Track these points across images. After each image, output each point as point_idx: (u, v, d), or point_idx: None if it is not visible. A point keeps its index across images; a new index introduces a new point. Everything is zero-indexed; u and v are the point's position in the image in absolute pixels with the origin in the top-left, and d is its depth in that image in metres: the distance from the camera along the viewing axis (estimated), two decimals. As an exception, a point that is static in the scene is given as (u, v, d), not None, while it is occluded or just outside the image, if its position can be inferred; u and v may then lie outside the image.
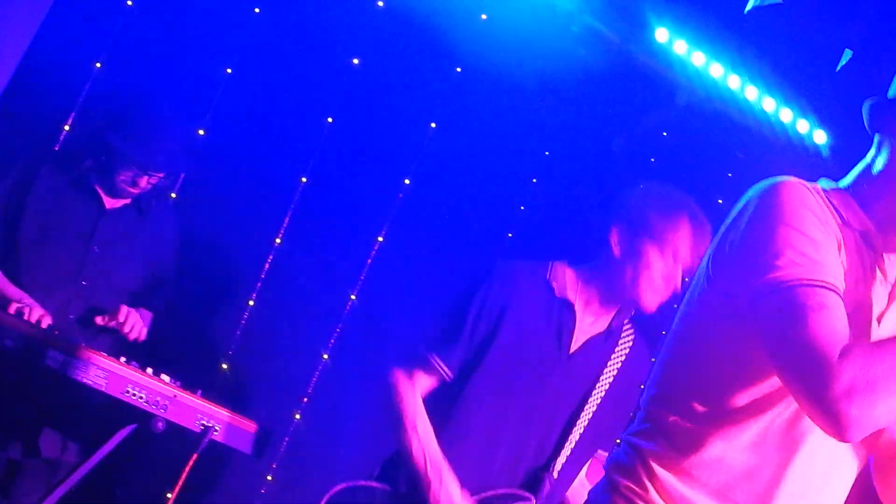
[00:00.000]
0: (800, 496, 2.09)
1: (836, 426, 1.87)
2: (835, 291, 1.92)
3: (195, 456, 3.29)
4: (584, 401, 3.23)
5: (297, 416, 4.32)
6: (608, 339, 3.23)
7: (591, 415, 3.27)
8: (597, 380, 3.25)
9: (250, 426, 3.44)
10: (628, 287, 3.15)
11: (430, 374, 3.12)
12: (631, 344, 3.30)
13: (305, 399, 4.35)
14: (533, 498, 3.15)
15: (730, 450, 2.08)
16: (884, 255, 2.11)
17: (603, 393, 3.27)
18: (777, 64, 4.46)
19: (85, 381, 3.17)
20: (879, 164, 2.14)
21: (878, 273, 2.10)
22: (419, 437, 3.08)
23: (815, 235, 1.98)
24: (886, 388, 1.84)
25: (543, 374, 3.15)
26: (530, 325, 3.16)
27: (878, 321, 2.06)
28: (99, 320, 3.71)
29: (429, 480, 3.03)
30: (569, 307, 3.18)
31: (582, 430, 3.24)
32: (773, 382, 2.01)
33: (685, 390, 2.15)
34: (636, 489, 2.12)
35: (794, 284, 1.93)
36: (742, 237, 2.04)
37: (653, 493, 2.09)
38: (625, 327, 3.27)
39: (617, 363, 3.30)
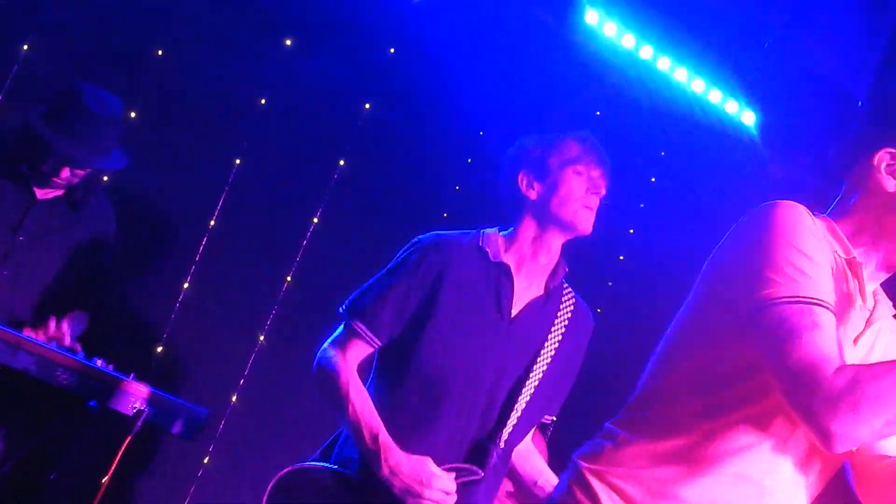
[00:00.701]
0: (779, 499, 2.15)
1: (824, 438, 1.94)
2: (829, 309, 2.00)
3: (129, 439, 3.26)
4: (530, 367, 3.18)
5: (234, 399, 4.30)
6: (548, 302, 3.19)
7: (537, 381, 3.20)
8: (541, 345, 3.21)
9: (185, 409, 3.39)
10: (558, 216, 3.16)
11: (359, 341, 3.09)
12: (572, 307, 3.27)
13: (242, 381, 4.33)
14: (481, 471, 3.08)
15: (706, 467, 2.14)
16: (863, 283, 2.20)
17: (549, 358, 3.22)
18: (707, 46, 4.50)
19: (14, 366, 3.17)
20: (854, 201, 2.25)
21: (859, 299, 2.18)
22: (357, 412, 3.06)
23: (812, 254, 2.05)
24: (873, 409, 1.92)
25: (485, 341, 3.11)
26: (468, 291, 3.14)
27: (854, 342, 2.15)
28: (28, 332, 3.60)
29: (373, 452, 3.02)
30: (506, 270, 3.15)
31: (528, 398, 3.17)
32: (766, 386, 2.08)
33: (680, 386, 2.19)
34: (607, 479, 2.20)
35: (791, 301, 2.01)
36: (744, 251, 2.11)
37: (623, 486, 2.18)
38: (564, 290, 3.26)
39: (561, 328, 3.27)
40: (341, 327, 3.10)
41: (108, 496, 3.33)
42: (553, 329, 3.23)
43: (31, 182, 3.71)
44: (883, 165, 2.15)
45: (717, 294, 2.16)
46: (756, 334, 2.03)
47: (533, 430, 3.29)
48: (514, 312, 3.14)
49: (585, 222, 3.16)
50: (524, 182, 3.15)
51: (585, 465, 2.19)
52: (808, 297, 2.00)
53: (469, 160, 4.74)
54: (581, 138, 3.18)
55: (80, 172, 3.64)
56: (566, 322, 3.26)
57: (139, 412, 3.24)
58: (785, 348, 1.99)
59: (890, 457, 2.20)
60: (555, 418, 3.37)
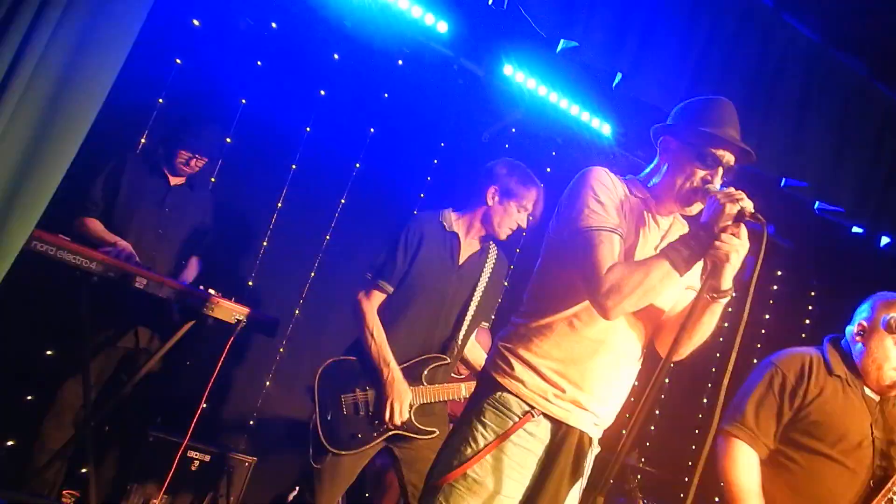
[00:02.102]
0: (604, 371, 2.32)
1: (603, 312, 2.21)
2: (615, 232, 2.23)
3: (231, 339, 3.48)
4: (472, 293, 3.38)
5: (297, 312, 4.55)
6: (482, 255, 3.43)
7: (477, 302, 3.37)
8: (478, 280, 3.39)
9: (266, 319, 3.62)
10: (495, 225, 3.37)
11: (380, 291, 3.29)
12: (496, 258, 3.49)
13: (301, 301, 4.54)
14: (447, 357, 3.30)
15: (563, 335, 2.31)
16: (657, 214, 2.43)
17: (483, 288, 3.40)
18: (580, 83, 4.65)
19: (160, 295, 3.38)
20: (657, 164, 2.48)
21: (653, 223, 2.42)
22: (374, 339, 3.21)
23: (604, 199, 2.28)
24: (631, 289, 2.15)
25: (445, 280, 3.32)
26: (434, 250, 3.33)
27: (655, 249, 2.36)
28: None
29: (380, 366, 3.19)
30: (455, 236, 3.38)
31: (473, 312, 3.37)
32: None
33: (541, 293, 2.40)
34: (514, 350, 2.37)
35: (591, 228, 2.24)
36: (567, 199, 2.34)
37: (522, 352, 2.35)
38: (490, 247, 3.49)
39: (489, 270, 3.43)
40: (368, 281, 3.31)
41: (218, 378, 3.49)
42: (484, 270, 3.42)
43: (168, 172, 3.94)
44: (660, 143, 2.45)
45: (556, 228, 2.37)
46: (571, 251, 2.26)
47: (476, 331, 3.46)
48: (460, 262, 3.38)
49: (505, 237, 3.42)
50: (491, 193, 3.34)
51: (501, 343, 2.41)
52: (601, 226, 2.23)
53: (435, 161, 4.91)
54: (532, 187, 3.36)
55: (200, 163, 3.91)
56: (493, 266, 3.45)
57: (238, 321, 3.50)
58: (581, 260, 2.22)
59: (666, 312, 2.43)
60: (489, 324, 3.51)
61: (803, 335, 5.14)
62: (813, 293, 5.67)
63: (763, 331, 5.52)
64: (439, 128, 4.76)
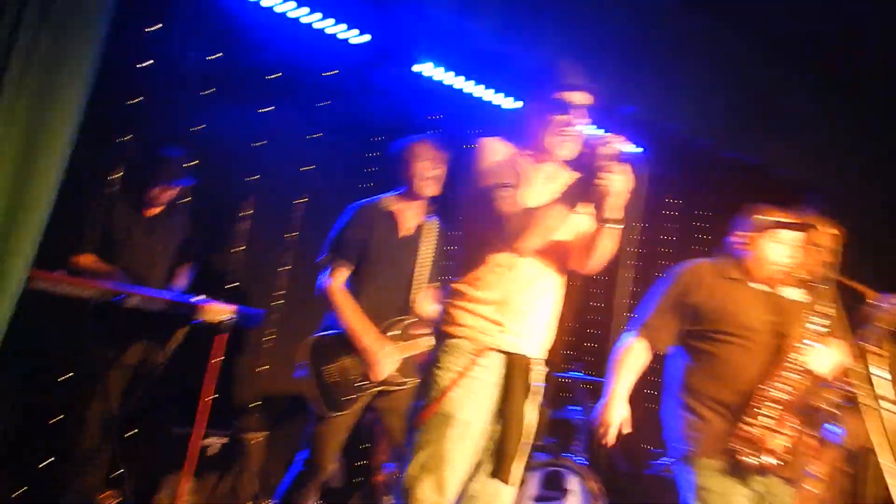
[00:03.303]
0: (533, 300, 2.45)
1: (517, 251, 2.37)
2: (511, 187, 2.34)
3: (221, 337, 3.51)
4: (417, 261, 3.52)
5: (281, 302, 4.68)
6: (420, 227, 3.54)
7: (423, 266, 3.51)
8: (418, 248, 3.49)
9: (250, 313, 3.66)
10: (415, 189, 3.44)
11: (343, 268, 3.40)
12: (434, 227, 3.56)
13: (282, 294, 4.68)
14: (409, 315, 3.45)
15: (492, 281, 2.42)
16: (544, 164, 2.52)
17: (429, 253, 3.52)
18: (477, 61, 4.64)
19: (154, 308, 3.43)
20: (530, 122, 2.56)
21: (544, 173, 2.51)
22: (347, 308, 3.33)
23: (496, 161, 2.44)
24: (533, 231, 2.28)
25: (393, 252, 3.48)
26: (379, 229, 3.47)
27: (551, 195, 2.38)
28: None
29: (355, 332, 3.30)
30: (392, 214, 3.53)
31: (421, 275, 3.50)
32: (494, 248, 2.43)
33: (467, 252, 2.52)
34: (455, 304, 2.46)
35: (492, 187, 2.35)
36: (469, 169, 2.46)
37: (463, 304, 2.44)
38: (430, 220, 3.61)
39: (432, 239, 3.57)
40: (331, 262, 3.37)
41: (221, 370, 3.54)
42: (424, 238, 3.54)
43: (148, 204, 3.98)
44: (526, 109, 2.56)
45: (465, 194, 2.51)
46: (481, 212, 2.37)
47: (427, 291, 3.56)
48: (402, 235, 3.54)
49: (430, 191, 3.49)
50: (414, 171, 3.47)
51: (444, 300, 2.56)
52: (497, 185, 2.33)
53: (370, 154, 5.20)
54: (418, 141, 3.49)
55: (173, 193, 3.99)
56: (433, 234, 3.57)
57: (223, 321, 3.51)
58: (490, 216, 2.32)
59: (571, 240, 2.53)
60: (437, 284, 3.60)
61: (695, 247, 5.40)
62: (699, 211, 5.90)
63: (664, 249, 5.79)
64: (374, 125, 4.87)
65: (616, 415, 2.87)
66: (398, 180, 3.55)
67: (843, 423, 2.83)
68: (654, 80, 4.38)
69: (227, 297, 3.69)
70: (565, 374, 4.51)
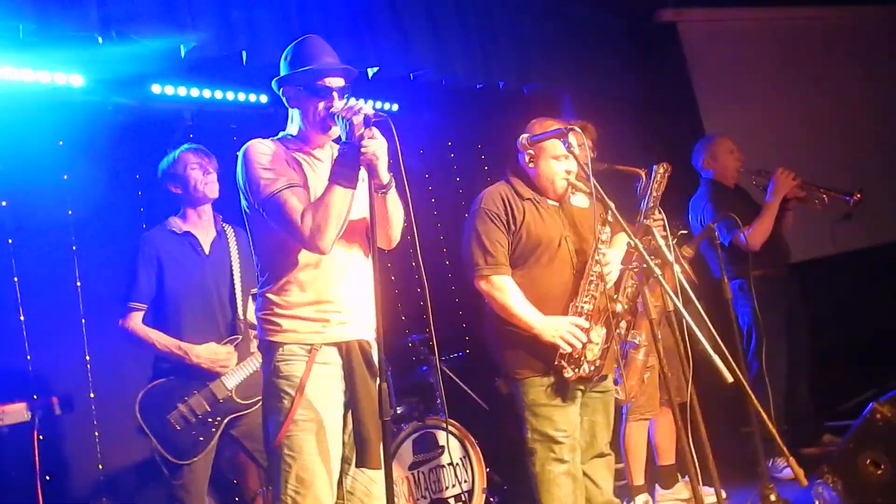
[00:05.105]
0: (349, 287, 2.43)
1: (318, 251, 2.33)
2: (291, 186, 2.34)
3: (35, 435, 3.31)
4: (231, 270, 3.41)
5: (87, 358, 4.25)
6: (221, 236, 3.47)
7: (239, 275, 3.42)
8: (230, 259, 3.42)
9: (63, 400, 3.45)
10: (193, 195, 3.33)
11: (136, 311, 3.29)
12: (234, 232, 3.52)
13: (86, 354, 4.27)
14: (239, 335, 3.33)
15: (304, 280, 2.40)
16: (314, 152, 2.51)
17: (237, 261, 3.43)
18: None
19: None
20: (290, 113, 2.54)
21: (316, 161, 2.49)
22: (154, 336, 3.22)
23: (269, 165, 2.38)
24: (326, 222, 2.26)
25: (201, 273, 3.36)
26: (176, 254, 3.36)
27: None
28: None
29: (177, 352, 3.19)
30: (188, 234, 3.43)
31: (240, 285, 3.40)
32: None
33: (269, 261, 2.47)
34: (275, 313, 2.43)
35: (273, 192, 2.34)
36: (244, 177, 2.41)
37: (282, 312, 2.41)
38: (226, 227, 3.51)
39: (234, 245, 3.46)
40: (124, 308, 3.24)
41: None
42: (230, 247, 3.42)
43: None
44: (283, 94, 2.53)
45: (248, 204, 2.46)
46: (270, 219, 2.39)
47: (250, 299, 3.42)
48: (206, 251, 3.41)
49: (212, 192, 3.38)
50: (175, 185, 3.37)
51: (261, 314, 2.47)
52: (277, 189, 2.34)
53: (137, 175, 4.68)
54: (183, 151, 3.40)
55: None
56: (236, 240, 3.45)
57: (33, 416, 3.25)
58: (281, 222, 2.34)
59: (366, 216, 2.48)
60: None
61: (488, 179, 5.50)
62: (481, 145, 6.13)
63: (460, 191, 5.90)
64: (136, 155, 4.53)
65: (567, 330, 2.88)
66: (177, 198, 3.43)
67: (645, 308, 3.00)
68: (395, 37, 4.35)
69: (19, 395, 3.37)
70: (408, 339, 4.56)
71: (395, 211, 2.49)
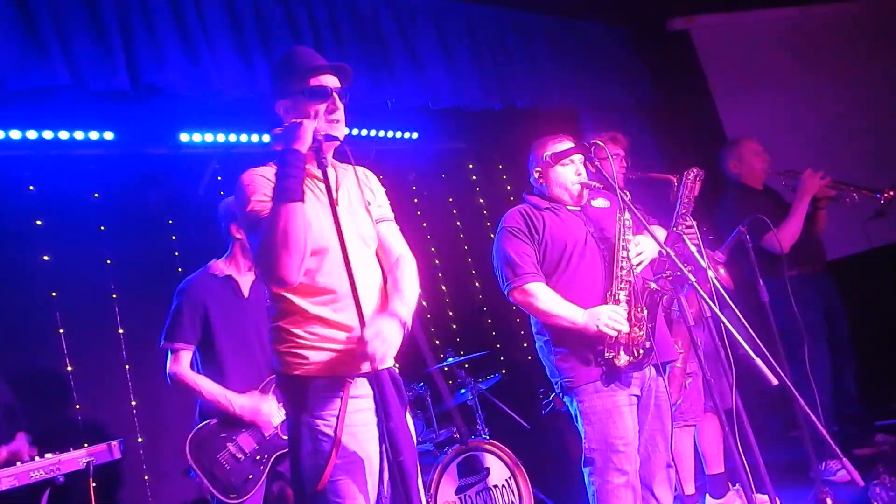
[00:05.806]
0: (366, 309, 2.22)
1: (286, 285, 2.18)
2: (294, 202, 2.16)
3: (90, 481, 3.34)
4: (258, 324, 3.39)
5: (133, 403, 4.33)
6: (256, 284, 3.49)
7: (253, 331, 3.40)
8: (264, 302, 3.36)
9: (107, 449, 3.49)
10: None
11: (182, 351, 3.28)
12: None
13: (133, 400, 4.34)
14: (272, 376, 3.25)
15: (318, 310, 2.25)
16: (317, 171, 2.32)
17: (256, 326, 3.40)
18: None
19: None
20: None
21: (317, 182, 2.33)
22: (202, 384, 3.23)
23: (262, 193, 2.22)
24: (281, 248, 2.07)
25: (242, 316, 3.39)
26: (219, 298, 3.38)
27: (338, 199, 2.33)
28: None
29: (222, 404, 3.22)
30: (230, 277, 3.47)
31: (255, 340, 3.37)
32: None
33: (277, 293, 2.31)
34: (297, 344, 2.27)
35: (253, 213, 2.19)
36: (237, 207, 2.32)
37: (305, 342, 2.27)
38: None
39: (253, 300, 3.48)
40: (168, 350, 3.28)
41: None
42: (250, 306, 3.43)
43: None
44: (281, 111, 2.41)
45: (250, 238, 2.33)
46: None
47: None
48: (246, 294, 3.44)
49: None
50: (234, 228, 3.37)
51: (280, 347, 2.29)
52: (259, 220, 2.16)
53: (170, 221, 4.81)
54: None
55: None
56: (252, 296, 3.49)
57: (88, 462, 3.31)
58: (257, 237, 2.19)
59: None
60: None
61: (511, 199, 5.53)
62: (501, 165, 6.19)
63: (484, 212, 5.89)
64: (167, 201, 4.66)
65: (610, 317, 2.86)
66: (230, 241, 3.45)
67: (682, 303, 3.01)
68: (409, 67, 4.41)
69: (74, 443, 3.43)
70: (444, 364, 4.56)
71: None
